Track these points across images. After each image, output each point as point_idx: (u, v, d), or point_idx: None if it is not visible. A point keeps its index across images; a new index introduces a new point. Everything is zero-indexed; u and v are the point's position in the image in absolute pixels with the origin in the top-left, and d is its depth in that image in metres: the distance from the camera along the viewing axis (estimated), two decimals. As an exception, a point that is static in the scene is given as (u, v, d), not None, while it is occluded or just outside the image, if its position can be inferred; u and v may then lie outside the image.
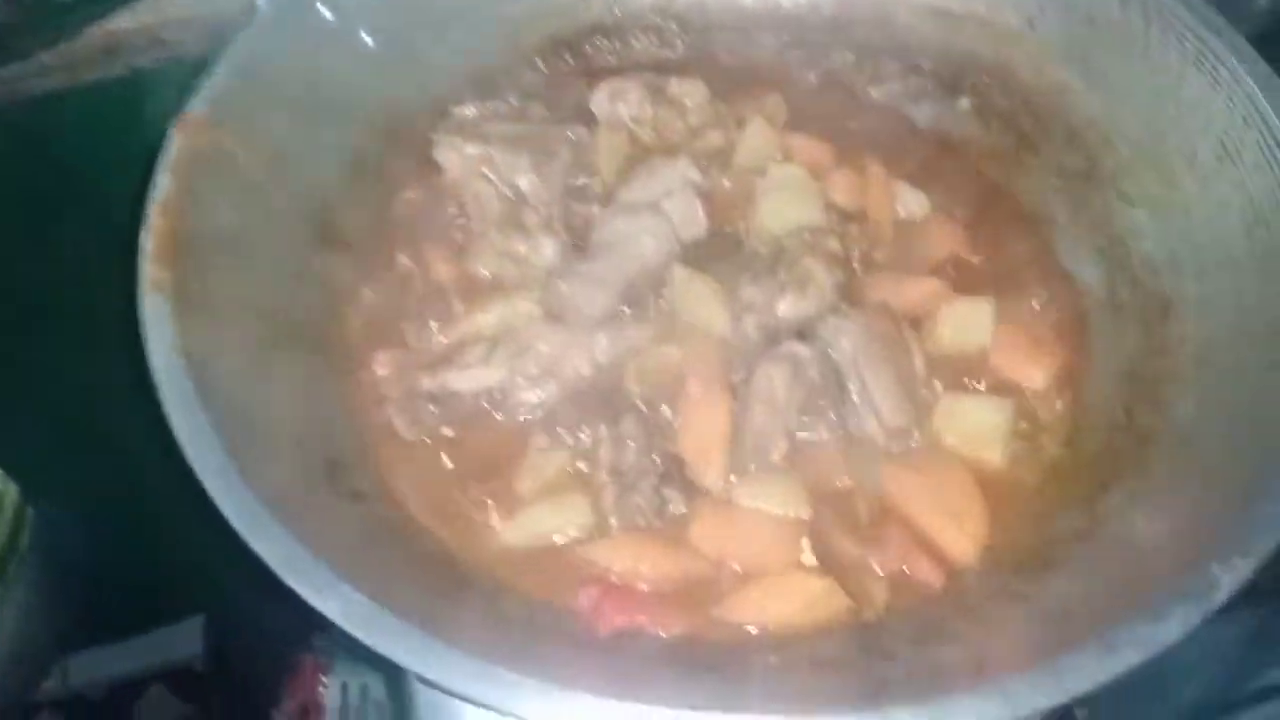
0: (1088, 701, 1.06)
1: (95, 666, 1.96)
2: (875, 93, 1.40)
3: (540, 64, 1.40)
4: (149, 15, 1.49)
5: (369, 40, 1.25)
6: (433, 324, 1.16)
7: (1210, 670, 1.42)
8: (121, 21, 1.49)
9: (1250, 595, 0.80)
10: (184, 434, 0.87)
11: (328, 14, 1.21)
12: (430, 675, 0.77)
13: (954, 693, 0.76)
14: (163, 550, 1.77)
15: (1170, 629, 0.77)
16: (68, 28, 1.46)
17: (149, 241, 0.99)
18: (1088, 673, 0.76)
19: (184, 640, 2.01)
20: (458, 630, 0.85)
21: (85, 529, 1.70)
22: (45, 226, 1.57)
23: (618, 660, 0.92)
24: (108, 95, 1.51)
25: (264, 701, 1.41)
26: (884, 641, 0.93)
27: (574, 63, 1.41)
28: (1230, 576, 0.79)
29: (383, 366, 1.12)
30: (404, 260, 1.22)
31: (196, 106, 1.08)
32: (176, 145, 1.05)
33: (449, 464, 1.07)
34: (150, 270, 0.97)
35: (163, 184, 1.02)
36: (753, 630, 0.96)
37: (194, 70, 1.12)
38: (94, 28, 1.47)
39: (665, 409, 1.09)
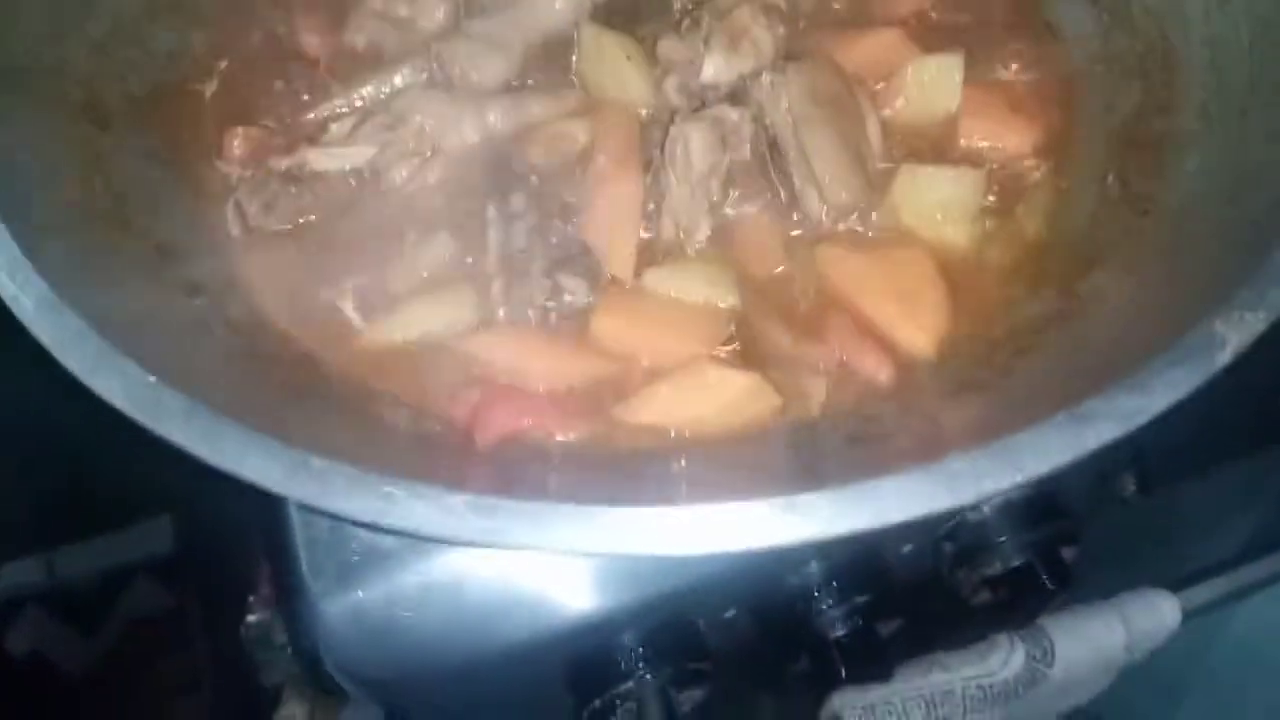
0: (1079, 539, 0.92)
1: (80, 560, 1.89)
2: None
3: None
4: None
5: None
6: (299, 100, 0.98)
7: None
8: None
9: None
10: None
11: None
12: (236, 468, 0.61)
13: (885, 475, 0.60)
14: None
15: (1157, 396, 0.61)
16: None
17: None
18: (1051, 449, 0.60)
19: (164, 533, 1.94)
20: (290, 427, 0.70)
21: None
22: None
23: (499, 467, 0.77)
24: None
25: (239, 589, 1.30)
26: (816, 441, 0.78)
27: None
28: (1237, 334, 0.63)
29: (236, 145, 0.94)
30: (269, 33, 1.03)
31: None
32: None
33: (311, 257, 0.90)
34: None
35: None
36: (665, 433, 0.81)
37: None
38: None
39: (567, 191, 0.92)
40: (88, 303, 0.70)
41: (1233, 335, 0.63)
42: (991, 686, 1.12)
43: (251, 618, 1.25)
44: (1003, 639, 1.12)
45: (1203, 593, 1.22)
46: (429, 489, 0.59)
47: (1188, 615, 1.17)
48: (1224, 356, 0.62)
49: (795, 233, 0.91)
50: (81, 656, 1.92)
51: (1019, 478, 0.60)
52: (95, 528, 1.89)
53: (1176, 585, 1.18)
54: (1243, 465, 1.17)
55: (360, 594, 0.83)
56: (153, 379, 0.64)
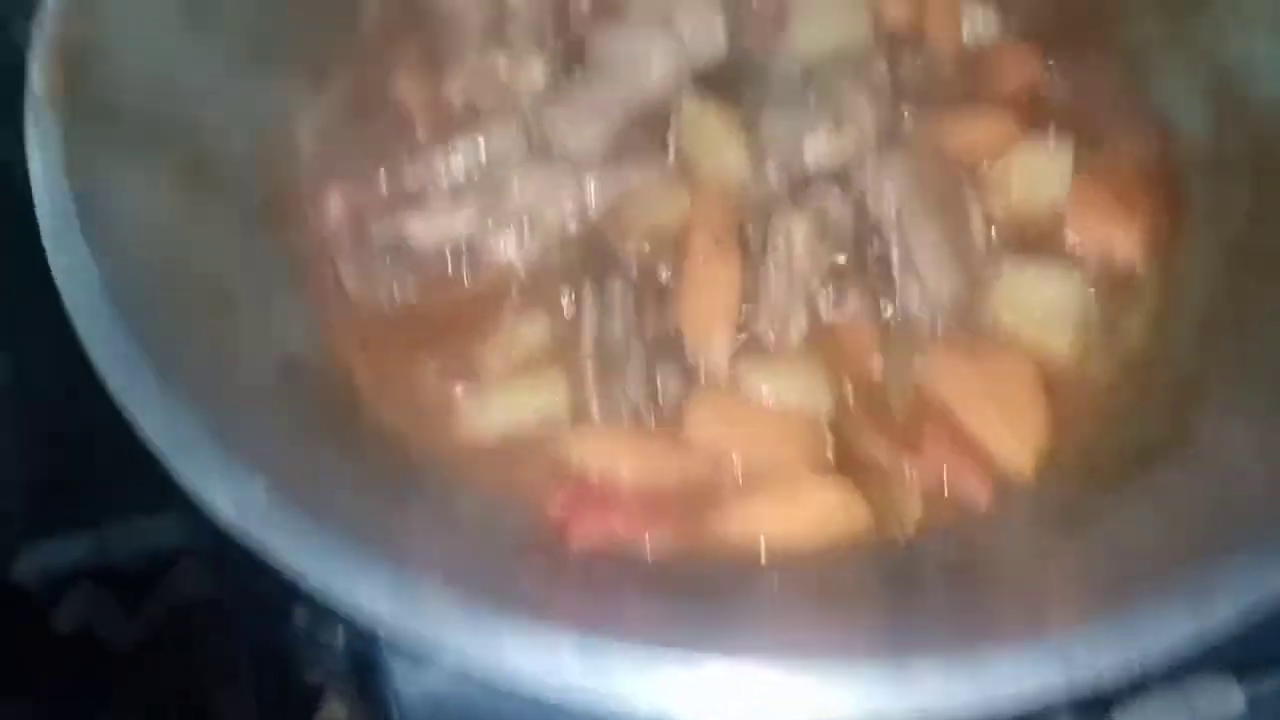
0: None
1: (129, 538, 1.91)
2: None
3: None
4: None
5: None
6: (396, 158, 0.97)
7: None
8: None
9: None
10: (66, 281, 0.72)
11: None
12: (342, 595, 0.62)
13: (996, 645, 0.60)
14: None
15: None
16: None
17: (40, 40, 0.81)
18: (1174, 627, 0.60)
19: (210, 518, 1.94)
20: (392, 537, 0.70)
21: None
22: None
23: (589, 579, 0.77)
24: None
25: (284, 579, 1.32)
26: (912, 568, 0.77)
27: None
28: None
29: (334, 204, 0.94)
30: (365, 81, 1.02)
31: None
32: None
33: (406, 330, 0.90)
34: (39, 76, 0.79)
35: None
36: (755, 547, 0.80)
37: None
38: None
39: (664, 271, 0.91)
40: (195, 391, 0.71)
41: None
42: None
43: (299, 610, 1.26)
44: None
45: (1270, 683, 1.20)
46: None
47: (1252, 704, 1.16)
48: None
49: (893, 330, 0.89)
50: (127, 635, 1.95)
51: (1136, 658, 0.59)
52: (143, 507, 1.91)
53: (1241, 671, 1.17)
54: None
55: (441, 675, 0.83)
56: (265, 489, 0.64)
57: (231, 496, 0.65)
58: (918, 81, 1.01)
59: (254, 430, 0.72)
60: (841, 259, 0.90)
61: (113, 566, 1.89)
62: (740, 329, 0.88)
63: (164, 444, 0.66)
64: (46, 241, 0.74)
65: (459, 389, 0.87)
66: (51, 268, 0.73)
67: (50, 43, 0.81)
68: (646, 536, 0.80)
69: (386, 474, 0.80)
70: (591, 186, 0.93)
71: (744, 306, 0.89)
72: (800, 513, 0.80)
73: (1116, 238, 0.94)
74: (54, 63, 0.80)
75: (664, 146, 0.97)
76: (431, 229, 0.91)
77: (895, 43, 1.02)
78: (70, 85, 0.79)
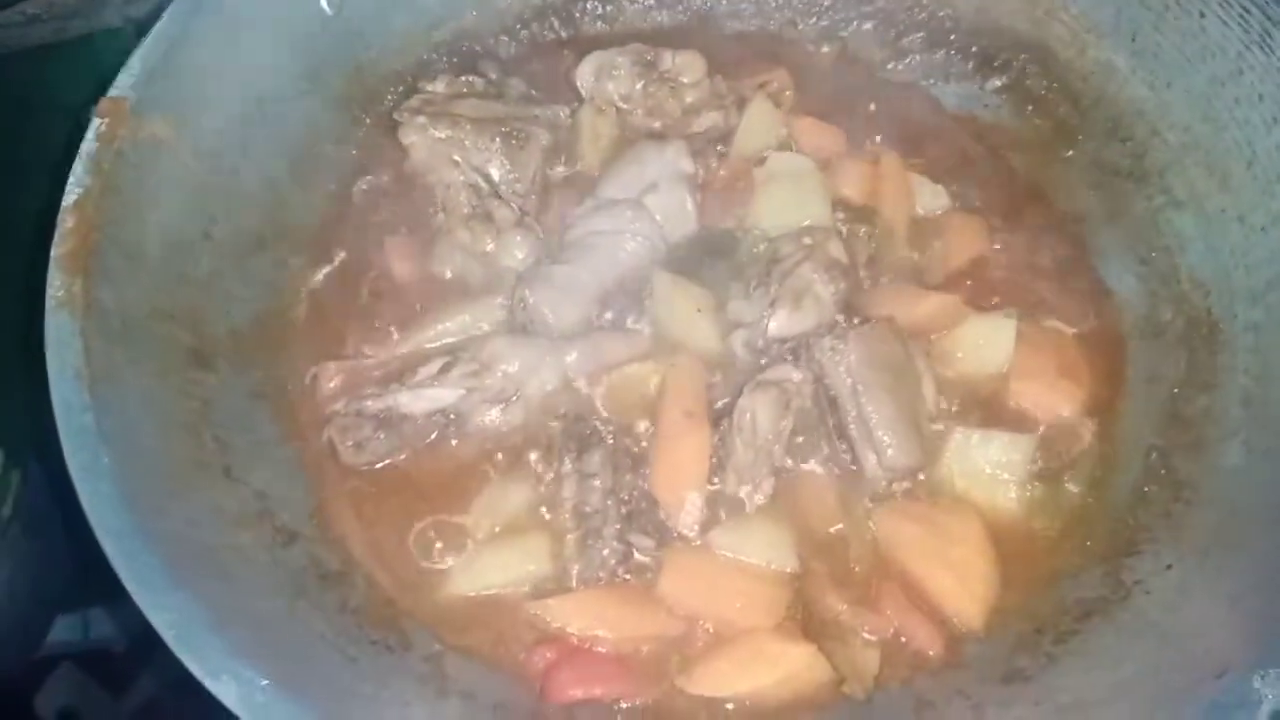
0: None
1: (116, 619, 1.91)
2: (895, 69, 1.25)
3: (522, 32, 1.26)
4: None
5: (326, 5, 1.12)
6: (388, 331, 1.05)
7: None
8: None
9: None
10: (82, 483, 0.77)
11: (279, -24, 1.07)
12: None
13: None
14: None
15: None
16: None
17: (59, 246, 0.87)
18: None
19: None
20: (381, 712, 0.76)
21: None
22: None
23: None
24: (100, 47, 1.38)
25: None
26: (872, 722, 0.83)
27: (561, 30, 1.27)
28: (1275, 693, 0.67)
29: (329, 378, 1.01)
30: (360, 256, 1.10)
31: (122, 87, 0.96)
32: (98, 134, 0.93)
33: (396, 495, 0.96)
34: (58, 280, 0.86)
35: (80, 181, 0.90)
36: (724, 704, 0.86)
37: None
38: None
39: (639, 435, 0.98)
40: (202, 576, 0.77)
41: (1271, 693, 0.67)
42: None
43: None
44: None
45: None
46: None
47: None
48: (1261, 717, 0.66)
49: (852, 491, 0.96)
50: (111, 718, 1.91)
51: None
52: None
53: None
54: None
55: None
56: (265, 683, 0.70)
57: (235, 692, 0.71)
58: (872, 255, 1.09)
59: (254, 615, 0.78)
60: (804, 428, 0.97)
61: (97, 648, 1.87)
62: (710, 493, 0.94)
63: (173, 638, 0.72)
64: (64, 441, 0.78)
65: (446, 553, 0.93)
66: (69, 466, 0.78)
67: (69, 250, 0.86)
68: (623, 697, 0.85)
69: (381, 641, 0.86)
70: (570, 359, 1.01)
71: (714, 468, 0.95)
72: (765, 673, 0.86)
73: (1059, 402, 1.01)
74: (72, 269, 0.86)
75: (639, 320, 1.04)
76: (421, 401, 0.97)
77: (851, 218, 1.10)
78: (87, 289, 0.85)
